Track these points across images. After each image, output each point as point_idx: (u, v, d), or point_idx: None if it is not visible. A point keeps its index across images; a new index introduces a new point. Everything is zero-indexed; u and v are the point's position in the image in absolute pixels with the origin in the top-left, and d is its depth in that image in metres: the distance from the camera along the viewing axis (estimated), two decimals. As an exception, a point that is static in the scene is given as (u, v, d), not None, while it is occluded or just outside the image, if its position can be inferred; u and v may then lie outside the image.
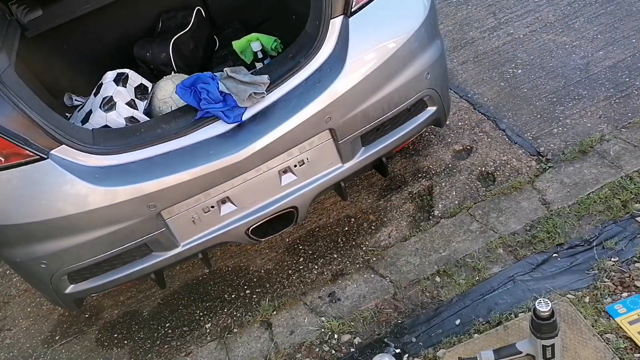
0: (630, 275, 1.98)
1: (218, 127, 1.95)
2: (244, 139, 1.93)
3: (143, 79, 2.23)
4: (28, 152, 1.80)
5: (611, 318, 1.87)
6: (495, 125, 2.74)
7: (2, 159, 1.80)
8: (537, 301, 1.67)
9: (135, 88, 2.19)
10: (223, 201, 2.04)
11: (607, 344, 1.79)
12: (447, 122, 2.76)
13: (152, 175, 1.88)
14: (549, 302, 1.66)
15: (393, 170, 2.71)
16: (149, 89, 2.23)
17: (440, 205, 2.48)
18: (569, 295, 1.98)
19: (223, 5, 2.83)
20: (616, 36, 3.01)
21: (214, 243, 2.11)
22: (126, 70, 2.20)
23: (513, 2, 3.51)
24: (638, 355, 1.76)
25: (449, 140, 2.76)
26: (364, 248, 2.43)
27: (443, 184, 2.57)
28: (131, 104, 2.14)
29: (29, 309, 2.73)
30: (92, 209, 1.85)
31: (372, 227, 2.51)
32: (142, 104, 2.18)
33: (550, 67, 2.96)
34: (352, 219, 2.58)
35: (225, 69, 2.02)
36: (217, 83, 1.98)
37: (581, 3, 3.32)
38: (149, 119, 2.18)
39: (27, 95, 1.85)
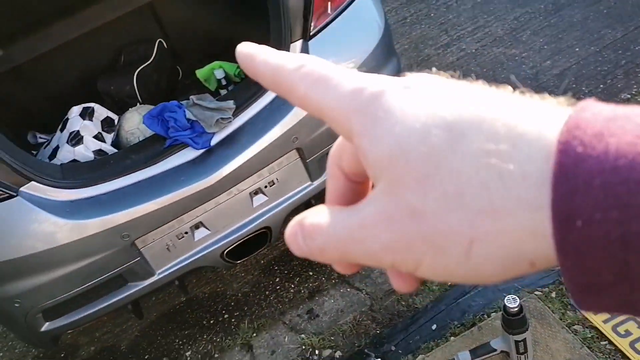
0: (592, 269, 2.08)
1: (187, 154, 1.98)
2: (214, 164, 1.96)
3: (109, 111, 2.25)
4: (-3, 190, 1.80)
5: (577, 310, 1.96)
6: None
7: (-29, 199, 1.80)
8: (506, 298, 1.75)
9: (102, 121, 2.21)
10: (196, 226, 2.06)
11: (575, 334, 1.88)
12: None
13: (124, 206, 1.89)
14: (517, 298, 1.74)
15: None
16: (116, 122, 2.25)
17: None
18: (536, 292, 2.07)
19: (184, 36, 2.88)
20: (561, 46, 3.19)
21: (189, 269, 2.12)
22: (92, 104, 2.22)
23: (463, 19, 3.67)
24: (604, 342, 1.84)
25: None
26: (338, 263, 2.48)
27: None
28: (98, 137, 2.16)
29: (0, 354, 2.66)
30: (65, 244, 1.85)
31: (345, 243, 2.56)
32: (109, 137, 2.20)
33: (503, 78, 3.11)
34: (325, 236, 2.63)
35: (191, 96, 2.07)
36: (184, 111, 2.02)
37: (527, 17, 3.51)
38: (117, 150, 2.20)
39: (-7, 134, 1.86)
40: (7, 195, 1.80)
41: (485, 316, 2.05)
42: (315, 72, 0.28)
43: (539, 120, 0.23)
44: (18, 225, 1.83)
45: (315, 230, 0.28)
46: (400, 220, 0.25)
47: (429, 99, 0.25)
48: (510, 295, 1.76)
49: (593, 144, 0.21)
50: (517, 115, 0.23)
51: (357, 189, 0.31)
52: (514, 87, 0.26)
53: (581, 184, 0.21)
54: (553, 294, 2.04)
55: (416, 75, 0.27)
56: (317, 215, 0.28)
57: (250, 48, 0.31)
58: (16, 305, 1.94)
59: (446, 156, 0.24)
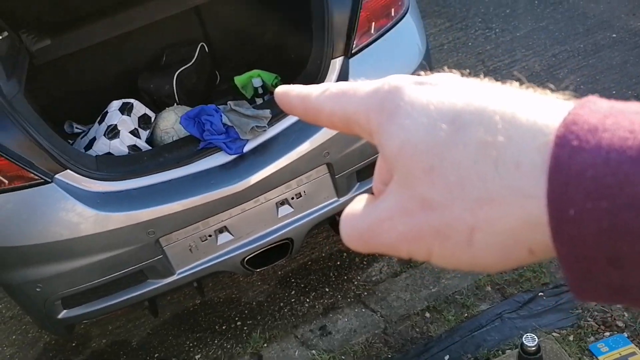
0: (612, 315, 2.05)
1: (220, 158, 2.01)
2: (245, 171, 1.98)
3: (147, 109, 2.29)
4: (33, 175, 1.83)
5: (594, 356, 1.93)
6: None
7: (6, 181, 1.84)
8: (524, 336, 1.73)
9: (139, 117, 2.25)
10: (220, 230, 2.08)
11: (592, 381, 1.84)
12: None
13: (153, 203, 1.92)
14: (535, 337, 1.72)
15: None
16: (152, 119, 2.29)
17: (430, 243, 2.55)
18: (554, 334, 2.04)
19: (225, 41, 2.93)
20: (597, 87, 3.17)
21: (209, 272, 2.13)
22: (131, 100, 2.26)
23: (501, 51, 3.67)
24: (622, 393, 1.81)
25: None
26: (356, 283, 2.47)
27: (433, 222, 2.64)
28: (134, 133, 2.19)
29: (14, 337, 2.69)
30: (93, 234, 1.88)
31: (364, 262, 2.56)
32: (144, 133, 2.23)
33: (536, 113, 3.09)
34: (344, 254, 2.62)
35: (228, 102, 2.10)
36: (221, 115, 2.05)
37: (565, 55, 3.49)
38: (150, 147, 2.24)
39: (35, 120, 1.90)
40: (42, 180, 1.84)
41: (500, 352, 2.03)
42: (336, 89, 0.31)
43: (536, 114, 0.24)
44: (49, 212, 1.87)
45: (343, 220, 0.31)
46: (413, 211, 0.27)
47: (438, 94, 0.27)
48: (528, 334, 1.74)
49: (587, 138, 0.23)
50: (515, 109, 0.25)
51: None
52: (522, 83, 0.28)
53: (574, 175, 0.22)
54: (571, 337, 2.01)
55: (432, 74, 0.29)
56: (351, 205, 0.31)
57: (285, 87, 0.34)
58: (37, 289, 1.96)
59: (449, 148, 0.25)
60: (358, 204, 0.31)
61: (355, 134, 0.30)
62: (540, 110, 0.25)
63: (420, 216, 0.26)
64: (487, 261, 0.26)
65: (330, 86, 0.31)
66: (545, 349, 1.96)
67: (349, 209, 0.31)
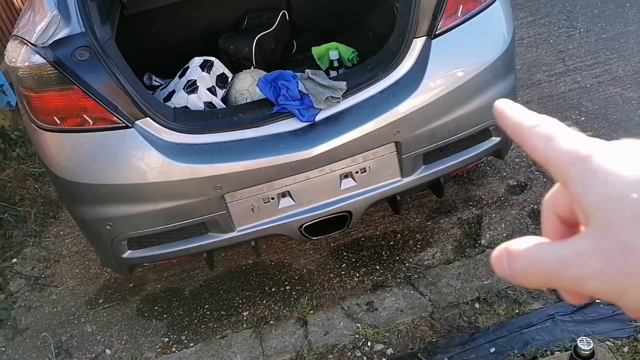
0: (673, 333, 1.97)
1: (291, 124, 2.04)
2: (314, 139, 2.01)
3: (225, 68, 2.34)
4: (116, 118, 1.92)
5: (649, 371, 1.87)
6: (552, 167, 2.76)
7: (91, 122, 1.94)
8: (580, 339, 1.69)
9: (218, 76, 2.31)
10: (283, 195, 2.12)
11: (642, 395, 1.79)
12: (505, 157, 2.80)
13: (223, 159, 1.98)
14: (590, 341, 1.68)
15: (445, 195, 2.75)
16: (229, 79, 2.34)
17: (487, 235, 2.52)
18: (607, 342, 1.99)
19: (306, 13, 2.95)
20: (686, 99, 3.01)
21: (267, 234, 2.19)
22: (212, 58, 2.32)
23: (584, 51, 3.54)
24: (673, 411, 1.75)
25: (504, 174, 2.80)
26: (407, 264, 2.48)
27: (493, 215, 2.60)
28: (211, 90, 2.26)
29: (77, 270, 2.85)
30: (164, 181, 1.96)
31: (418, 246, 2.56)
32: (220, 92, 2.29)
33: (614, 119, 2.98)
34: (399, 235, 2.63)
35: (306, 70, 2.12)
36: (297, 82, 2.08)
37: (653, 62, 3.33)
38: (225, 106, 2.30)
39: (124, 66, 1.98)
40: (124, 125, 1.93)
41: (549, 353, 1.99)
42: (547, 130, 0.34)
43: None
44: (126, 155, 1.96)
45: (521, 254, 0.33)
46: (611, 254, 0.29)
47: (636, 159, 0.30)
48: (584, 337, 1.70)
49: None
50: None
51: (566, 230, 0.36)
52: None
53: None
54: (625, 349, 1.95)
55: (620, 141, 0.32)
56: (523, 243, 0.33)
57: (504, 105, 0.37)
58: (107, 227, 2.07)
59: None
60: (528, 243, 0.33)
61: (551, 173, 0.34)
62: None
63: (619, 259, 0.29)
64: None
65: (542, 122, 0.34)
66: (597, 357, 1.92)
67: (519, 247, 0.33)
